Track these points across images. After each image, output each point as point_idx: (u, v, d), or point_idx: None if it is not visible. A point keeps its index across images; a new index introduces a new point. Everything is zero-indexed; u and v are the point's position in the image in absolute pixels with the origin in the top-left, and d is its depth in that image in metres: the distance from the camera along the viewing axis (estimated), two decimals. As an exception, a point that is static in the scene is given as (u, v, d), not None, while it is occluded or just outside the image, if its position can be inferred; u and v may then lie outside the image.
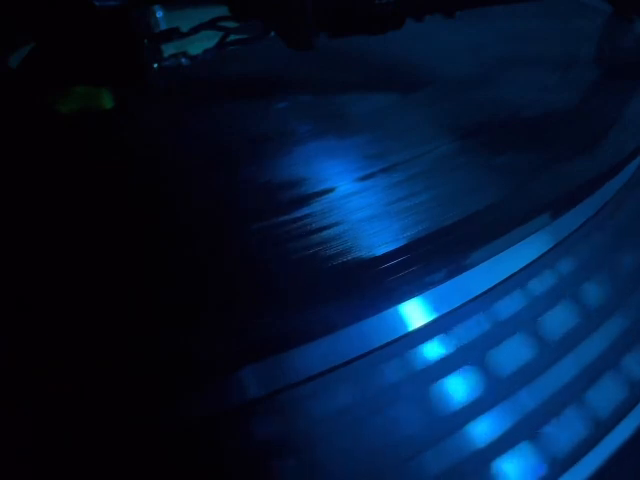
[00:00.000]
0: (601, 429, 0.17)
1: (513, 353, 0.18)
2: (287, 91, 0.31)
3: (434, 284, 0.18)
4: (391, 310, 0.17)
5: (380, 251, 0.19)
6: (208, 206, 0.23)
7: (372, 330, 0.17)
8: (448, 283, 0.18)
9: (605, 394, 0.17)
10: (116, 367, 0.16)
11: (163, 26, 0.36)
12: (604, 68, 0.31)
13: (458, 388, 0.17)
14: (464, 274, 0.18)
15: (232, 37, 0.34)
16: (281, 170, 0.24)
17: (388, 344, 0.17)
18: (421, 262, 0.18)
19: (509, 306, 0.18)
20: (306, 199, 0.22)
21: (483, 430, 0.16)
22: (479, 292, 0.18)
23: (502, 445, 0.16)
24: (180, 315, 0.18)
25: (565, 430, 0.17)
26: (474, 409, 0.16)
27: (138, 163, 0.26)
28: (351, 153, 0.25)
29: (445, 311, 0.18)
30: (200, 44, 0.34)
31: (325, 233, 0.20)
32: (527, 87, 0.29)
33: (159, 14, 0.36)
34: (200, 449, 0.15)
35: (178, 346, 0.17)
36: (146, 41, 0.33)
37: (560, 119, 0.26)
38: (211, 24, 0.33)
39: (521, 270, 0.19)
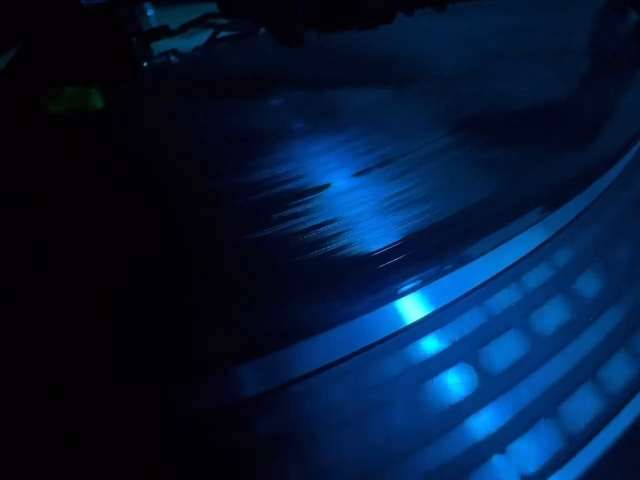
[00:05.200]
0: (597, 424, 0.17)
1: (509, 347, 0.17)
2: (281, 88, 0.31)
3: (430, 279, 0.18)
4: (388, 306, 0.17)
5: (376, 247, 0.19)
6: (205, 205, 0.22)
7: (369, 326, 0.17)
8: (444, 278, 0.18)
9: (601, 388, 0.17)
10: (114, 367, 0.16)
11: (154, 24, 0.36)
12: (598, 60, 0.31)
13: (454, 383, 0.17)
14: (461, 268, 0.18)
15: (223, 34, 0.33)
16: (277, 167, 0.24)
17: (385, 339, 0.17)
18: (417, 257, 0.18)
19: (505, 300, 0.18)
20: (302, 196, 0.22)
21: (480, 424, 0.16)
22: (475, 286, 0.18)
23: (499, 439, 0.16)
24: (178, 314, 0.17)
25: (562, 424, 0.16)
26: (471, 404, 0.16)
27: (133, 163, 0.26)
28: (347, 149, 0.25)
29: (441, 305, 0.17)
30: (191, 41, 0.34)
31: (321, 230, 0.20)
32: (521, 80, 0.29)
33: (150, 12, 0.36)
34: (200, 446, 0.15)
35: (176, 345, 0.16)
36: (135, 39, 0.33)
37: (554, 111, 0.26)
38: (201, 21, 0.33)
39: (516, 264, 0.19)
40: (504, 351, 0.17)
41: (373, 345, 0.17)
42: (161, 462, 0.15)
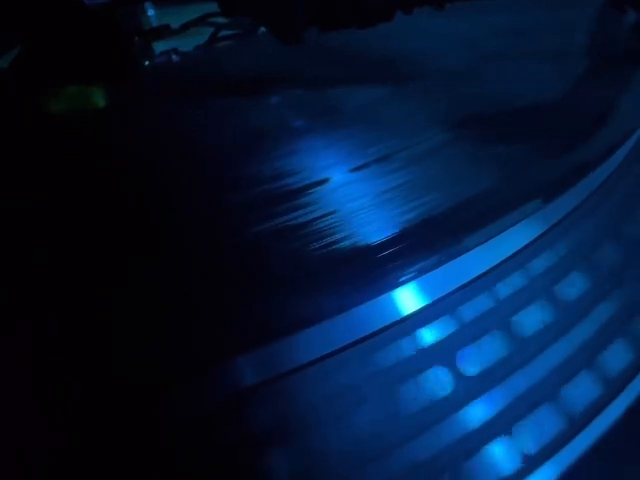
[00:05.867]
0: (596, 407, 0.17)
1: (507, 339, 0.17)
2: (282, 86, 0.31)
3: (427, 270, 0.18)
4: (385, 296, 0.17)
5: (373, 238, 0.19)
6: (205, 200, 0.23)
7: (367, 316, 0.17)
8: (441, 269, 0.18)
9: (600, 373, 0.17)
10: (114, 367, 0.16)
11: (154, 24, 0.36)
12: (596, 59, 0.31)
13: (454, 371, 0.17)
14: (457, 259, 0.18)
15: (223, 33, 0.34)
16: (276, 163, 0.24)
17: (382, 330, 0.17)
18: (414, 248, 0.18)
19: (502, 292, 0.18)
20: (301, 190, 0.22)
21: (476, 414, 0.16)
22: (472, 277, 0.18)
23: (504, 421, 0.16)
24: (176, 307, 0.17)
25: (563, 407, 0.17)
26: (466, 394, 0.16)
27: (133, 163, 0.26)
28: (345, 145, 0.25)
29: (439, 296, 0.18)
30: (192, 41, 0.34)
31: (319, 222, 0.20)
32: (520, 79, 0.29)
33: (150, 12, 0.36)
34: (200, 442, 0.15)
35: (174, 339, 0.17)
36: (136, 39, 0.33)
37: (553, 110, 0.26)
38: (201, 20, 0.33)
39: (512, 256, 0.19)
40: (503, 343, 0.17)
41: (371, 335, 0.17)
42: (161, 457, 0.15)
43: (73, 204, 0.23)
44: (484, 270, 0.18)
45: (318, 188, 0.22)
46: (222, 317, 0.17)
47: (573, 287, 0.19)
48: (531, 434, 0.16)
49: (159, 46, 0.34)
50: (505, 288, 0.18)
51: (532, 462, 0.16)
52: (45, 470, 0.15)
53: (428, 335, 0.17)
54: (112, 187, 0.24)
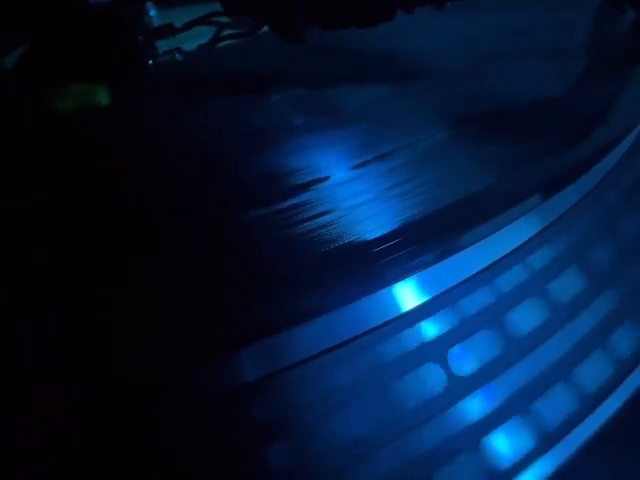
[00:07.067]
0: (589, 404, 0.17)
1: (504, 335, 0.18)
2: (284, 85, 0.31)
3: (426, 265, 0.18)
4: (384, 291, 0.17)
5: (373, 234, 0.19)
6: (206, 196, 0.23)
7: (367, 311, 0.17)
8: (440, 264, 0.18)
9: (610, 356, 0.18)
10: (111, 361, 0.16)
11: (157, 24, 0.36)
12: (595, 58, 0.31)
13: (449, 368, 0.17)
14: (456, 255, 0.18)
15: (226, 32, 0.34)
16: (276, 161, 0.24)
17: (381, 325, 0.17)
18: (414, 244, 0.18)
19: (500, 288, 0.18)
20: (301, 187, 0.22)
21: (475, 407, 0.16)
22: (471, 273, 0.18)
23: (493, 421, 0.16)
24: (175, 306, 0.18)
25: (553, 406, 0.17)
26: (465, 387, 0.17)
27: (134, 161, 0.26)
28: (345, 143, 0.25)
29: (438, 292, 0.18)
30: (194, 40, 0.34)
31: (320, 219, 0.20)
32: (518, 78, 0.29)
33: (152, 12, 0.36)
34: (197, 437, 0.15)
35: (172, 336, 0.17)
36: (140, 38, 0.33)
37: (552, 107, 0.26)
38: (204, 19, 0.33)
39: (511, 252, 0.19)
40: (499, 338, 0.18)
41: (370, 331, 0.17)
42: (161, 455, 0.15)
43: (73, 203, 0.23)
44: (485, 265, 0.18)
45: (319, 185, 0.22)
46: (222, 313, 0.17)
47: (576, 278, 0.19)
48: (546, 414, 0.16)
49: (163, 45, 0.34)
50: (506, 282, 0.18)
51: (548, 441, 0.16)
52: (45, 470, 0.15)
53: (430, 328, 0.17)
54: (113, 186, 0.24)
